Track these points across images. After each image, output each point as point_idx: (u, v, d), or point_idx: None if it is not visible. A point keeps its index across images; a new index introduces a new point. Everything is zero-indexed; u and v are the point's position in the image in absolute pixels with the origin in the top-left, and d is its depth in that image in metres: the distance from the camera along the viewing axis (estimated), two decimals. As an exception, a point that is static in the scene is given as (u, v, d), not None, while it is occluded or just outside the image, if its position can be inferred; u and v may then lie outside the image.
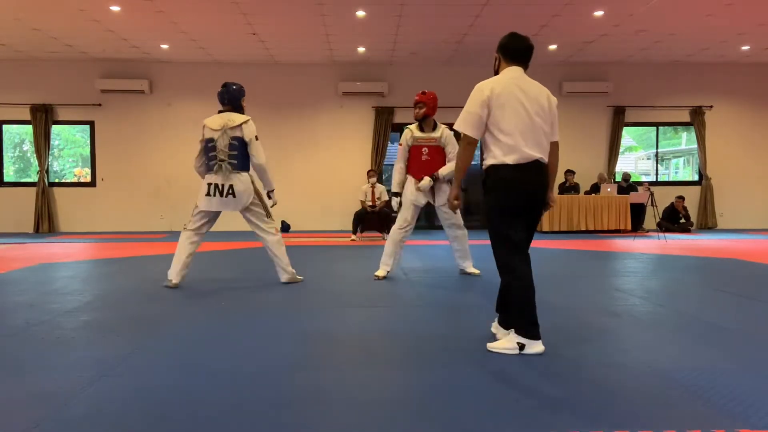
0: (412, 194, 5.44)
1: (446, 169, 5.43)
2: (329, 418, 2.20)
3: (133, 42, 10.78)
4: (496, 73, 3.20)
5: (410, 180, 5.51)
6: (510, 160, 2.96)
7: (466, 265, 5.74)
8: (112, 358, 2.93)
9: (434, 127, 5.58)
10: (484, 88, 3.04)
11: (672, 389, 2.46)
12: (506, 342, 3.01)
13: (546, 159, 3.07)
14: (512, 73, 3.11)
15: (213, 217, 5.09)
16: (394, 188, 5.59)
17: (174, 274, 5.02)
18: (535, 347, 2.94)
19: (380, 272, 5.52)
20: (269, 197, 5.22)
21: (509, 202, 3.00)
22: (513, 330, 3.02)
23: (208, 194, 4.94)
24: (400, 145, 5.62)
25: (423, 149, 5.50)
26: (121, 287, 5.17)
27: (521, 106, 3.00)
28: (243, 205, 4.94)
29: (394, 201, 5.58)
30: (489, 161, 3.04)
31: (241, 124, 4.93)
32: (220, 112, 5.05)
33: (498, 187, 3.01)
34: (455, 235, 5.66)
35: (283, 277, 5.25)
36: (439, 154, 5.52)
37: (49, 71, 12.13)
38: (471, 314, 4.02)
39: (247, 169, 4.99)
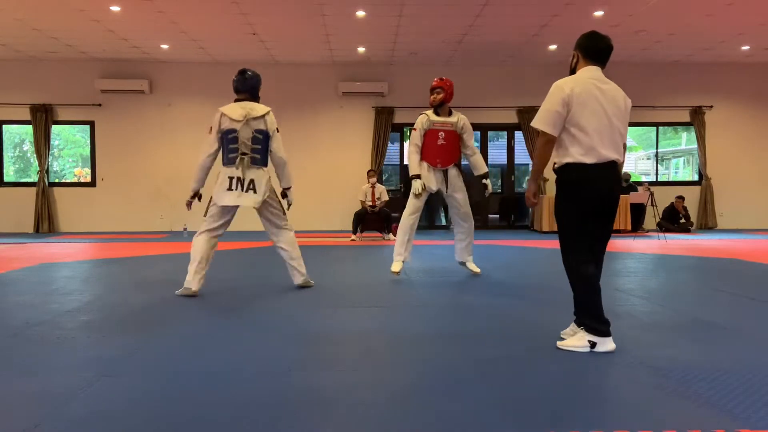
0: (425, 180, 5.41)
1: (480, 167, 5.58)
2: (329, 418, 2.20)
3: (133, 42, 10.78)
4: (573, 71, 3.16)
5: (423, 166, 5.45)
6: (587, 159, 2.97)
7: (468, 260, 5.71)
8: (112, 358, 2.94)
9: (450, 113, 5.58)
10: (564, 86, 3.02)
11: (672, 389, 2.46)
12: (577, 340, 3.04)
13: (621, 160, 3.09)
14: (591, 72, 3.08)
15: (231, 215, 4.76)
16: (414, 171, 5.45)
17: (193, 282, 4.60)
18: (607, 345, 2.97)
19: (395, 266, 5.47)
20: (285, 195, 4.98)
21: (583, 202, 3.01)
22: (582, 328, 3.04)
23: (229, 188, 4.57)
24: (415, 129, 5.51)
25: (440, 134, 5.46)
26: (121, 287, 5.17)
27: (600, 107, 3.00)
28: (261, 200, 4.63)
29: (417, 183, 5.39)
30: (564, 160, 3.02)
31: (264, 116, 4.64)
32: (237, 100, 4.71)
33: (573, 186, 3.01)
34: (464, 226, 5.61)
35: (299, 280, 4.97)
36: (455, 140, 5.53)
37: (49, 71, 12.13)
38: (471, 314, 4.02)
39: (266, 164, 4.73)
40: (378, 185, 10.76)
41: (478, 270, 5.71)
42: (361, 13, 9.23)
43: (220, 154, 4.71)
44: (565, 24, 9.79)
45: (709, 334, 3.37)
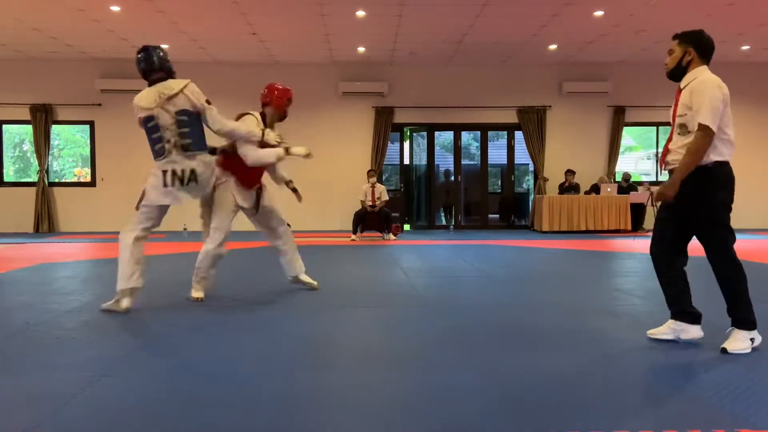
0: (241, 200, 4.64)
1: None
2: (329, 418, 2.20)
3: (133, 42, 10.77)
4: (683, 69, 3.10)
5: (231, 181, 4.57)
6: (731, 158, 3.02)
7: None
8: (112, 358, 2.93)
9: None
10: (721, 84, 3.00)
11: (672, 389, 2.46)
12: (741, 342, 3.00)
13: None
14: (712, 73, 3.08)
15: (162, 214, 4.18)
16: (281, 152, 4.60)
17: (124, 282, 3.94)
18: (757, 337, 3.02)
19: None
20: (294, 190, 4.55)
21: (730, 197, 3.05)
22: (735, 327, 3.05)
23: (165, 185, 3.95)
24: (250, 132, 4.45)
25: None
26: (121, 287, 5.16)
27: (729, 109, 3.05)
28: (207, 189, 4.12)
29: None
30: (715, 158, 2.97)
31: (181, 91, 3.97)
32: (151, 83, 4.08)
33: (727, 184, 3.01)
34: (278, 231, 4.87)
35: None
36: None
37: (49, 71, 12.12)
38: (471, 314, 4.02)
39: (206, 148, 4.08)
40: (378, 185, 10.75)
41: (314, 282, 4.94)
42: (361, 13, 9.22)
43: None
44: (565, 24, 9.79)
45: (708, 334, 3.37)
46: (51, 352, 3.07)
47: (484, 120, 12.73)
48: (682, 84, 3.11)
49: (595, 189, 12.14)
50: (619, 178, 12.90)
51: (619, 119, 12.85)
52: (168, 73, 4.11)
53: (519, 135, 12.88)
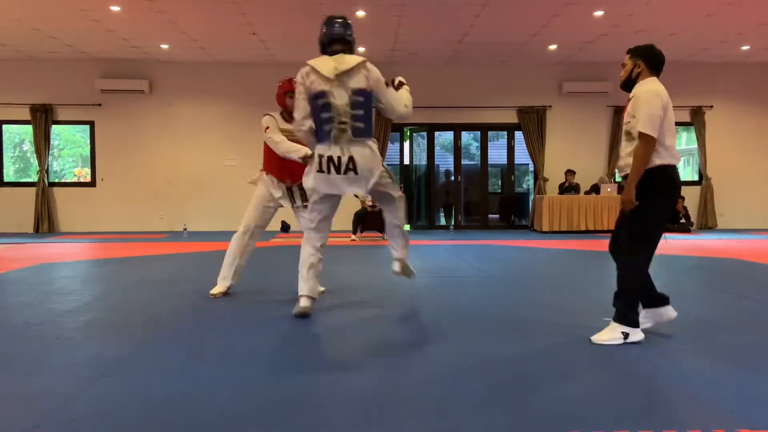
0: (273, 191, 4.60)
1: None
2: (329, 418, 2.20)
3: (133, 42, 10.78)
4: (632, 79, 3.29)
5: (265, 179, 4.62)
6: (675, 161, 3.16)
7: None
8: (112, 358, 2.93)
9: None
10: (660, 91, 3.18)
11: (672, 389, 2.46)
12: (606, 333, 3.16)
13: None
14: (660, 83, 3.24)
15: (332, 205, 3.80)
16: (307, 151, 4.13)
17: (308, 289, 3.81)
18: (638, 335, 3.16)
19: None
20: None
21: (672, 205, 3.20)
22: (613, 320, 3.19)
23: (320, 170, 3.56)
24: (267, 128, 4.50)
25: None
26: (121, 287, 5.17)
27: (672, 114, 3.24)
28: (367, 184, 3.63)
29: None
30: (657, 161, 3.11)
31: (360, 67, 3.54)
32: (329, 54, 3.66)
33: (669, 189, 3.15)
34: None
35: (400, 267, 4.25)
36: None
37: (49, 71, 12.13)
38: (471, 314, 4.02)
39: (372, 134, 3.66)
40: (378, 185, 10.74)
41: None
42: (361, 13, 9.23)
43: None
44: (565, 24, 9.79)
45: (709, 334, 3.37)
46: (51, 352, 3.07)
47: (484, 120, 12.73)
48: (631, 94, 3.27)
49: (595, 189, 12.14)
50: (619, 178, 12.88)
51: (619, 119, 12.84)
52: (349, 48, 3.70)
53: (519, 135, 12.88)
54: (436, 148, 13.54)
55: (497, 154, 14.73)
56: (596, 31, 10.26)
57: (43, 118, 12.05)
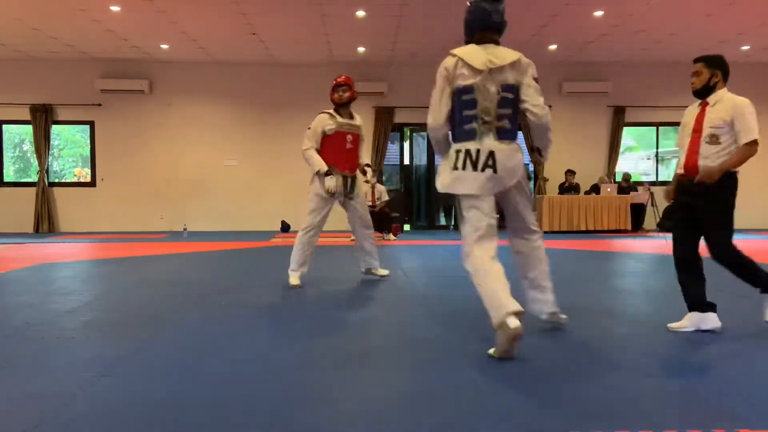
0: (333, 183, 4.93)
1: None
2: (329, 418, 2.20)
3: (133, 42, 10.78)
4: (709, 87, 3.54)
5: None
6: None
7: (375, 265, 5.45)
8: (112, 358, 2.93)
9: (351, 116, 5.22)
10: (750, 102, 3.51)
11: (672, 389, 2.46)
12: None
13: None
14: None
15: (489, 204, 3.23)
16: (323, 166, 4.92)
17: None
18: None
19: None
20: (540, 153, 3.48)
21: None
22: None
23: (455, 167, 3.16)
24: (308, 129, 5.06)
25: (347, 136, 5.14)
26: (121, 287, 5.17)
27: None
28: (508, 182, 3.19)
29: (331, 181, 4.89)
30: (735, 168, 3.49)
31: (515, 63, 3.20)
32: (477, 42, 3.27)
33: (736, 189, 3.51)
34: (367, 233, 5.40)
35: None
36: (360, 145, 5.32)
37: (49, 71, 12.13)
38: (471, 314, 4.02)
39: (516, 137, 3.29)
40: (378, 185, 10.75)
41: (387, 272, 5.49)
42: (361, 13, 9.23)
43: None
44: (565, 24, 9.79)
45: (709, 334, 3.37)
46: (51, 352, 3.07)
47: (484, 120, 12.72)
48: (711, 101, 3.50)
49: (595, 189, 12.14)
50: (619, 178, 12.90)
51: (619, 119, 12.86)
52: (499, 36, 3.31)
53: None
54: (437, 148, 13.53)
55: (497, 154, 14.71)
56: (596, 31, 10.26)
57: (43, 118, 12.05)
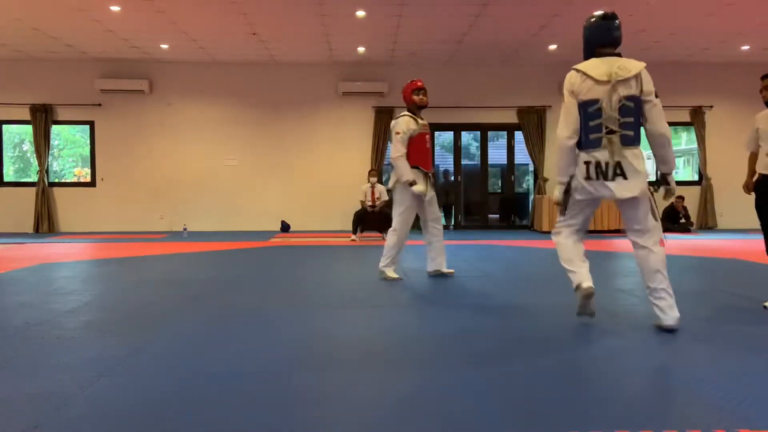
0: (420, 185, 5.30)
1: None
2: (329, 418, 2.20)
3: (133, 42, 10.78)
4: None
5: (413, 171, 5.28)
6: None
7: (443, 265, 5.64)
8: (112, 358, 2.93)
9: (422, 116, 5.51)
10: None
11: (672, 389, 2.46)
12: None
13: None
14: None
15: (589, 211, 3.71)
16: (410, 176, 5.22)
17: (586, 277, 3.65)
18: None
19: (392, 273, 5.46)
20: (665, 184, 3.56)
21: None
22: None
23: (588, 177, 3.42)
24: (399, 133, 5.27)
25: (426, 137, 5.43)
26: (121, 287, 5.17)
27: None
28: (639, 190, 3.36)
29: (420, 187, 5.25)
30: None
31: (638, 74, 3.36)
32: (598, 56, 3.47)
33: None
34: (438, 229, 5.63)
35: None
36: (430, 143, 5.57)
37: (49, 71, 12.13)
38: (471, 314, 4.02)
39: (640, 143, 3.45)
40: (378, 185, 10.75)
41: (452, 270, 5.70)
42: (361, 13, 9.23)
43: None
44: (565, 24, 9.79)
45: (709, 334, 3.37)
46: (51, 352, 3.07)
47: (484, 120, 12.73)
48: None
49: (595, 189, 12.13)
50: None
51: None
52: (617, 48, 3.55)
53: (519, 135, 12.88)
54: (436, 148, 13.52)
55: (497, 154, 14.73)
56: (596, 31, 10.25)
57: (43, 118, 12.05)
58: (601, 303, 4.31)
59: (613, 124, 3.31)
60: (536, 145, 12.59)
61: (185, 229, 11.29)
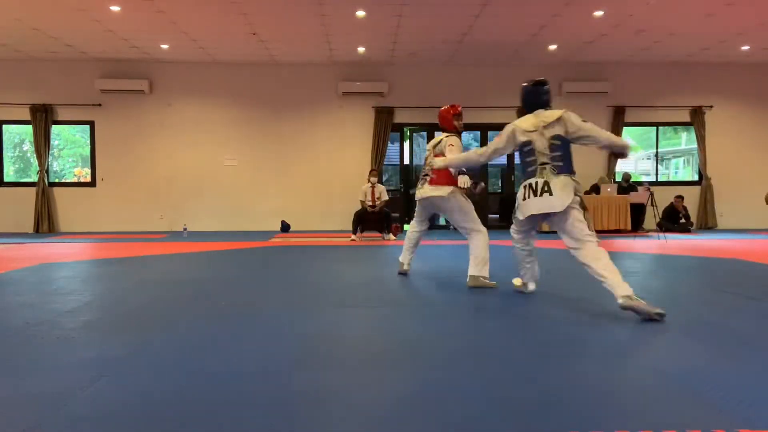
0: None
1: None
2: (329, 418, 2.20)
3: (133, 42, 10.79)
4: None
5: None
6: None
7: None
8: (112, 358, 2.93)
9: None
10: None
11: (672, 389, 2.46)
12: None
13: None
14: None
15: (530, 225, 4.55)
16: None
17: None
18: None
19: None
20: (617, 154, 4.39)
21: None
22: None
23: (523, 198, 4.29)
24: (453, 146, 5.40)
25: None
26: (121, 287, 5.17)
27: None
28: (560, 203, 4.07)
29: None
30: None
31: (559, 118, 4.16)
32: (529, 113, 4.40)
33: None
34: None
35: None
36: None
37: (49, 71, 12.14)
38: (471, 314, 4.02)
39: (572, 172, 4.19)
40: (378, 185, 10.75)
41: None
42: (361, 13, 9.23)
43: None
44: (565, 24, 9.80)
45: (709, 334, 3.37)
46: (51, 352, 3.07)
47: (484, 120, 12.73)
48: None
49: (595, 189, 12.14)
50: (619, 178, 12.90)
51: (619, 119, 12.86)
52: (546, 107, 4.40)
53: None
54: (436, 148, 13.53)
55: (497, 154, 14.71)
56: (596, 31, 10.27)
57: (43, 118, 12.06)
58: (601, 303, 4.31)
59: (545, 158, 4.16)
60: (536, 145, 12.58)
61: (185, 229, 11.29)
